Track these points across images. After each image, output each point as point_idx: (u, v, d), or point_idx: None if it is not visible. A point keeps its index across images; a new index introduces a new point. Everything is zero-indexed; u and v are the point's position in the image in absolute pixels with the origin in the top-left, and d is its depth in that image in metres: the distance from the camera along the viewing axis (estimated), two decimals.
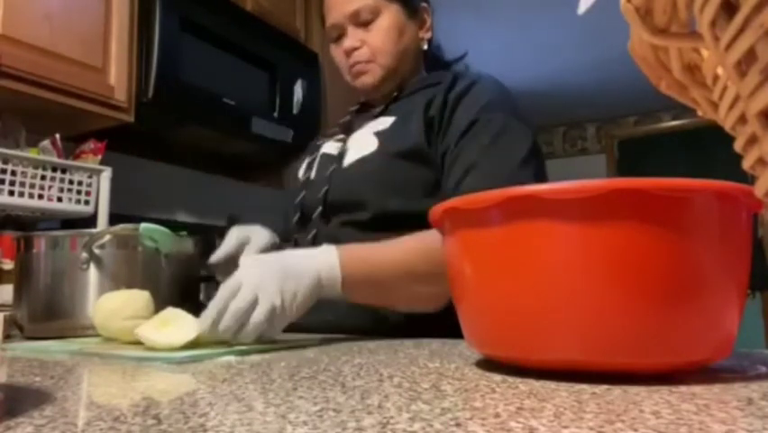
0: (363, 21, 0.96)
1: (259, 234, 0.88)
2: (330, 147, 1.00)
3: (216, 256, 0.85)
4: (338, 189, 0.90)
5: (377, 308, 0.85)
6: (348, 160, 0.92)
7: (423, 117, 0.89)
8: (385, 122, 0.94)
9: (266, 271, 0.67)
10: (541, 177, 0.83)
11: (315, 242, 0.91)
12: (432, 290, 0.76)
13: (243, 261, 0.70)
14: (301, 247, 0.95)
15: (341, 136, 1.00)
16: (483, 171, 0.81)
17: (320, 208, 0.91)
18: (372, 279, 0.76)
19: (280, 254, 0.73)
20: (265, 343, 0.65)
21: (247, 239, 0.87)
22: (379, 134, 0.92)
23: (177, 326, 0.64)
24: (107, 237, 0.83)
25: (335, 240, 0.89)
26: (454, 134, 0.86)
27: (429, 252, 0.74)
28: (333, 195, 0.91)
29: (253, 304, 0.64)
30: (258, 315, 0.64)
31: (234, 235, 0.86)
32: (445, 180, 0.86)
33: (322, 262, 0.72)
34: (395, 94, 0.99)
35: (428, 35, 1.02)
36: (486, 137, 0.84)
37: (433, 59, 1.05)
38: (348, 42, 0.97)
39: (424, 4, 1.01)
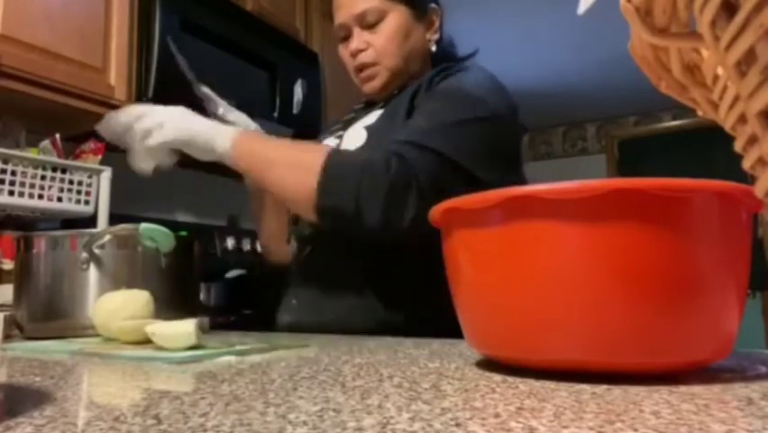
0: (369, 23, 0.97)
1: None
2: (329, 142, 1.01)
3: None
4: None
5: (378, 309, 0.85)
6: None
7: (407, 108, 0.90)
8: (376, 115, 0.95)
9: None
10: (481, 144, 0.82)
11: (314, 238, 0.94)
12: (304, 180, 0.80)
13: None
14: (299, 246, 0.97)
15: (340, 133, 1.01)
16: (409, 127, 0.83)
17: None
18: (257, 156, 0.84)
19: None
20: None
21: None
22: (368, 128, 0.93)
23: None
24: (107, 237, 0.83)
25: (327, 235, 0.90)
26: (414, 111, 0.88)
27: (316, 150, 0.83)
28: None
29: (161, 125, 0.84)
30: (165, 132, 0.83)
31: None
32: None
33: (218, 130, 0.85)
34: (395, 92, 0.99)
35: (436, 36, 1.01)
36: (432, 104, 0.86)
37: (444, 58, 1.05)
38: (354, 44, 0.98)
39: (432, 6, 1.01)
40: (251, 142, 0.85)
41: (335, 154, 0.81)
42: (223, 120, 0.99)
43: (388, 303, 0.86)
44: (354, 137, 0.94)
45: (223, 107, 1.01)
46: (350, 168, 0.78)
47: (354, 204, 0.76)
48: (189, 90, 1.74)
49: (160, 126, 0.84)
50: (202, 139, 0.83)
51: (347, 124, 1.02)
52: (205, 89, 1.00)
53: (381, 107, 0.98)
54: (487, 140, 0.83)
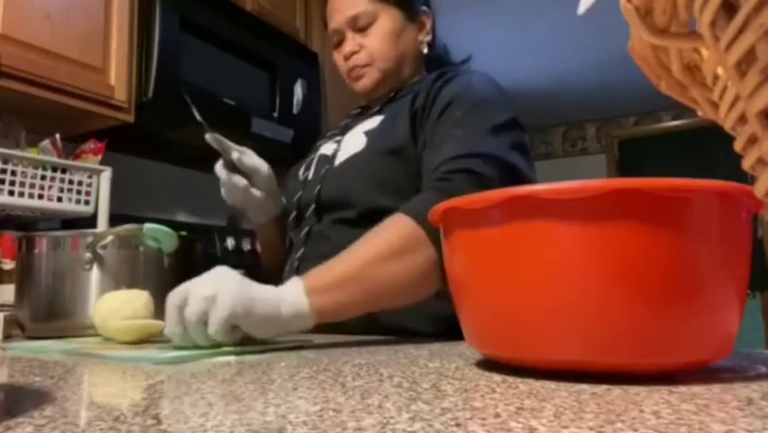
0: (361, 26, 0.98)
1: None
2: (326, 148, 1.02)
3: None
4: (329, 188, 0.92)
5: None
6: (339, 159, 0.94)
7: (408, 112, 0.89)
8: (375, 120, 0.95)
9: (226, 279, 0.63)
10: (520, 148, 0.82)
11: (308, 238, 0.94)
12: (411, 273, 0.71)
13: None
14: (295, 244, 0.97)
15: (338, 138, 1.02)
16: (453, 141, 0.81)
17: (313, 206, 0.93)
18: (350, 299, 0.69)
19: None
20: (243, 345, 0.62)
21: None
22: (367, 133, 0.93)
23: None
24: (110, 238, 0.83)
25: (326, 236, 0.90)
26: (431, 122, 0.87)
27: (391, 227, 0.72)
28: (324, 193, 0.92)
29: (217, 293, 0.60)
30: (220, 308, 0.59)
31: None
32: (424, 160, 0.85)
33: (289, 304, 0.65)
34: (391, 95, 1.00)
35: (428, 38, 1.02)
36: (459, 112, 0.84)
37: (437, 62, 1.05)
38: (347, 47, 0.99)
39: (424, 8, 1.02)
40: (331, 295, 0.68)
41: (419, 219, 0.71)
42: (240, 165, 0.93)
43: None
44: (353, 142, 0.94)
45: (237, 152, 0.93)
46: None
47: None
48: (190, 91, 1.75)
49: (213, 300, 0.60)
50: (266, 310, 0.63)
51: (345, 130, 1.03)
52: (218, 136, 0.90)
53: (378, 112, 0.98)
54: (519, 142, 0.83)
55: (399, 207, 0.76)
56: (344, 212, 0.89)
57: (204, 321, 0.60)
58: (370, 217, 0.85)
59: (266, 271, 1.11)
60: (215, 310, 0.59)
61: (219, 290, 0.60)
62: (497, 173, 0.75)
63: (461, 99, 0.85)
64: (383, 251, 0.71)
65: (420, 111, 0.89)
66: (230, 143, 0.92)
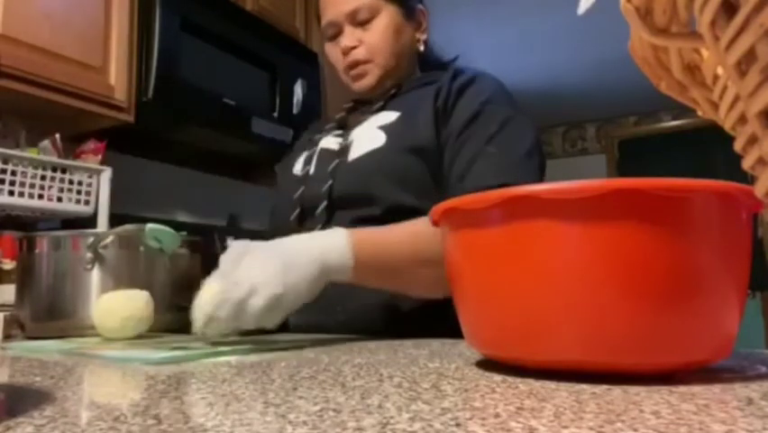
0: (361, 20, 0.96)
1: None
2: (329, 142, 0.98)
3: None
4: (344, 184, 0.89)
5: (388, 306, 0.84)
6: (354, 154, 0.91)
7: (432, 109, 0.89)
8: (388, 116, 0.93)
9: (265, 265, 0.66)
10: (542, 171, 0.85)
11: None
12: (438, 274, 0.72)
13: (237, 249, 0.69)
14: None
15: (339, 132, 0.99)
16: (489, 161, 0.82)
17: (324, 203, 0.90)
18: (383, 263, 0.75)
19: (282, 244, 0.71)
20: (262, 333, 0.66)
21: None
22: (385, 129, 0.91)
23: None
24: (110, 238, 0.83)
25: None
26: (457, 124, 0.86)
27: (434, 234, 0.73)
28: (338, 189, 0.89)
29: (251, 294, 0.63)
30: (256, 301, 0.63)
31: None
32: (449, 170, 0.85)
33: (330, 247, 0.71)
34: (393, 91, 0.99)
35: (424, 37, 1.01)
36: (492, 126, 0.85)
37: (427, 61, 1.05)
38: (346, 41, 0.97)
39: (420, 6, 1.01)
40: (367, 270, 0.74)
41: (432, 235, 0.74)
42: None
43: (406, 300, 0.83)
44: (369, 137, 0.91)
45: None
46: None
47: None
48: (190, 91, 1.75)
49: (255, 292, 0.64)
50: (312, 274, 0.68)
51: (343, 124, 1.01)
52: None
53: (383, 108, 0.97)
54: (543, 162, 0.85)
55: (425, 206, 0.75)
56: (366, 209, 0.86)
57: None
58: (396, 216, 0.83)
59: None
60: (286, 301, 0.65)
61: (285, 290, 0.65)
62: None
63: (491, 111, 0.86)
64: (427, 253, 0.74)
65: (442, 110, 0.88)
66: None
